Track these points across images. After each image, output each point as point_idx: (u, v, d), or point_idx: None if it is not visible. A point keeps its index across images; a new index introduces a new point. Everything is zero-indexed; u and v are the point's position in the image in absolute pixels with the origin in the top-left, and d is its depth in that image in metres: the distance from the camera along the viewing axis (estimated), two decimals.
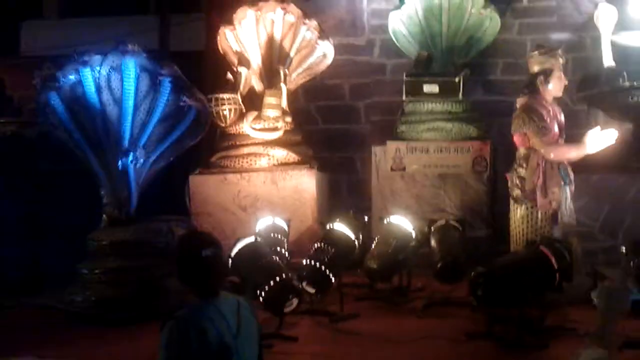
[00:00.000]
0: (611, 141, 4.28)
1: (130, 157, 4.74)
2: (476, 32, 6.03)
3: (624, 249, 4.02)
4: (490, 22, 6.01)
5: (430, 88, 5.90)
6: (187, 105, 4.96)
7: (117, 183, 4.83)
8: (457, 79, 5.81)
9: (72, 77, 4.80)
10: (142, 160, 4.83)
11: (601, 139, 4.26)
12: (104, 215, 4.89)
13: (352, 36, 6.76)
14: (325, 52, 5.99)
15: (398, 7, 6.13)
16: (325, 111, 6.80)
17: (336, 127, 6.78)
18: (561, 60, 4.44)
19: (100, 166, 4.86)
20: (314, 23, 5.84)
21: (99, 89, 4.80)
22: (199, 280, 2.40)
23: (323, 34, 5.90)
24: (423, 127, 5.87)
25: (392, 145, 5.86)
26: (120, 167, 4.74)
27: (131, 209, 4.82)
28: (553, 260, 3.63)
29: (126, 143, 4.80)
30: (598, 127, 4.29)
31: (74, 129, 4.82)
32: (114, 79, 4.79)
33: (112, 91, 4.80)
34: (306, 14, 5.82)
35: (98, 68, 4.78)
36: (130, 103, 4.80)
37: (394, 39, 6.26)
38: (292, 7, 5.74)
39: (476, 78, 6.34)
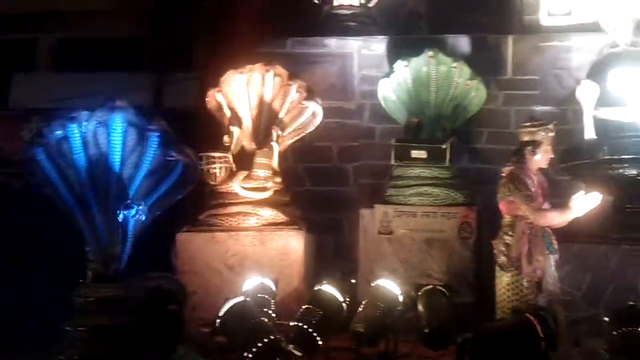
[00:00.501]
0: (595, 204, 4.40)
1: (133, 211, 4.75)
2: (463, 102, 6.23)
3: (606, 319, 4.08)
4: (477, 93, 6.22)
5: (418, 153, 6.04)
6: (175, 160, 5.02)
7: (103, 239, 4.82)
8: (444, 146, 5.96)
9: (58, 132, 4.83)
10: (144, 216, 4.83)
11: (586, 202, 4.38)
12: (89, 272, 4.86)
13: (342, 100, 6.94)
14: (314, 112, 6.10)
15: (388, 75, 6.34)
16: (314, 173, 6.89)
17: (325, 188, 6.87)
18: (551, 135, 4.61)
19: (86, 222, 4.85)
20: (302, 84, 5.99)
21: (85, 144, 4.82)
22: (160, 334, 2.39)
23: (311, 94, 6.04)
24: (410, 191, 5.97)
25: (379, 209, 5.95)
26: (120, 220, 4.74)
27: (121, 265, 4.80)
28: (539, 328, 3.67)
29: (112, 197, 4.82)
30: (582, 192, 4.42)
31: (60, 184, 4.82)
32: (101, 134, 4.82)
33: (98, 146, 4.82)
34: (293, 75, 5.97)
35: (85, 123, 4.83)
36: (116, 157, 4.83)
37: (383, 104, 6.44)
38: (279, 68, 5.90)
39: (463, 145, 6.51)
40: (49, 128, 4.81)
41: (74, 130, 4.80)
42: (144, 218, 4.84)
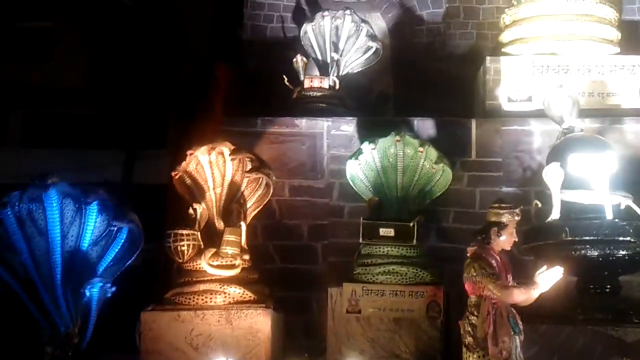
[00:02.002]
0: (559, 277, 4.47)
1: (97, 287, 4.67)
2: (429, 183, 6.36)
3: None
4: (442, 174, 6.36)
5: (386, 232, 6.12)
6: (118, 226, 4.97)
7: (56, 321, 4.69)
8: (411, 224, 6.05)
9: None
10: (110, 290, 4.74)
11: (550, 276, 4.45)
12: (46, 356, 4.70)
13: (312, 179, 7.05)
14: (267, 183, 6.15)
15: (356, 155, 6.48)
16: (283, 251, 6.89)
17: (293, 266, 6.85)
18: (517, 218, 4.72)
19: (35, 305, 4.71)
20: (249, 156, 6.08)
21: (20, 224, 4.76)
22: None
23: (261, 165, 6.12)
24: (378, 270, 5.99)
25: (348, 287, 5.94)
26: (85, 297, 4.65)
27: (82, 345, 4.67)
28: None
29: (58, 273, 4.70)
30: (544, 267, 4.49)
31: (0, 269, 4.72)
32: (35, 211, 4.77)
33: (35, 223, 4.77)
34: (239, 149, 6.03)
35: (17, 203, 4.77)
36: (56, 232, 4.76)
37: (351, 183, 6.54)
38: (226, 144, 5.99)
39: (430, 225, 6.62)
40: None
41: (8, 213, 4.72)
42: (109, 295, 4.76)
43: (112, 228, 4.94)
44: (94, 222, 4.85)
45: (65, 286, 4.75)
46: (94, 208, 4.85)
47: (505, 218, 4.64)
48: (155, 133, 7.00)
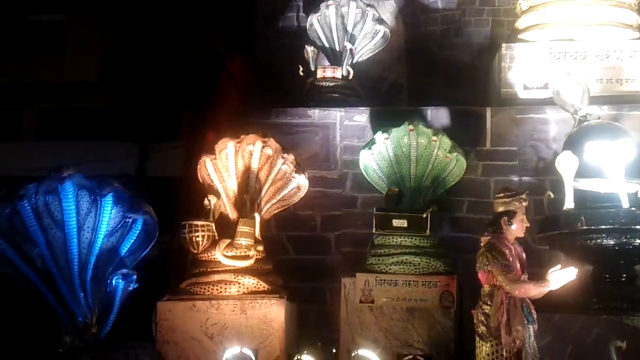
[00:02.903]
0: (572, 278, 4.44)
1: (123, 278, 4.71)
2: (442, 173, 6.33)
3: None
4: (456, 164, 6.33)
5: (399, 222, 6.10)
6: (133, 218, 5.01)
7: (74, 310, 4.74)
8: (424, 215, 6.03)
9: (7, 210, 4.79)
10: (134, 281, 4.78)
11: (562, 276, 4.42)
12: (64, 344, 4.77)
13: (325, 170, 7.05)
14: (299, 185, 6.18)
15: (369, 145, 6.47)
16: (296, 241, 6.92)
17: (307, 257, 6.87)
18: (524, 204, 4.70)
19: (53, 294, 4.77)
20: (291, 157, 6.09)
21: (37, 215, 4.80)
22: None
23: (299, 168, 6.14)
24: (392, 260, 5.99)
25: (361, 277, 5.95)
26: (111, 287, 4.69)
27: (101, 334, 4.72)
28: None
29: (76, 264, 4.75)
30: (559, 265, 4.47)
31: (19, 262, 4.77)
32: (52, 202, 4.81)
33: (52, 215, 4.81)
34: (285, 148, 6.09)
35: (34, 195, 4.81)
36: (73, 223, 4.81)
37: (364, 174, 6.54)
38: (271, 141, 6.00)
39: (443, 215, 6.59)
40: None
41: (24, 204, 4.77)
42: (132, 286, 4.81)
43: (127, 219, 4.98)
44: (109, 213, 4.90)
45: (83, 276, 4.81)
46: (109, 200, 4.89)
47: (512, 206, 4.63)
48: (169, 125, 7.05)
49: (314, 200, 6.87)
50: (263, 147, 5.96)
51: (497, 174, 6.82)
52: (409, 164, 6.27)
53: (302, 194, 6.23)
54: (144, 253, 5.17)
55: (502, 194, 4.72)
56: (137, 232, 5.08)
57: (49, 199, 4.77)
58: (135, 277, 4.86)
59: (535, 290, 4.41)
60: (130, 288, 4.87)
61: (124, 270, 4.87)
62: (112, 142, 7.44)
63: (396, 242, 6.07)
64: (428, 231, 6.03)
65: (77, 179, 4.82)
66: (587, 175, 5.66)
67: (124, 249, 5.03)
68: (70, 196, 4.78)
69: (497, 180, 6.73)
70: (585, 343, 5.08)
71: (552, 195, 5.81)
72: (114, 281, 4.77)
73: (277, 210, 6.31)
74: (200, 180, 6.11)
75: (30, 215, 4.76)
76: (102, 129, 7.62)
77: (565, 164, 5.62)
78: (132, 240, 5.08)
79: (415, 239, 6.04)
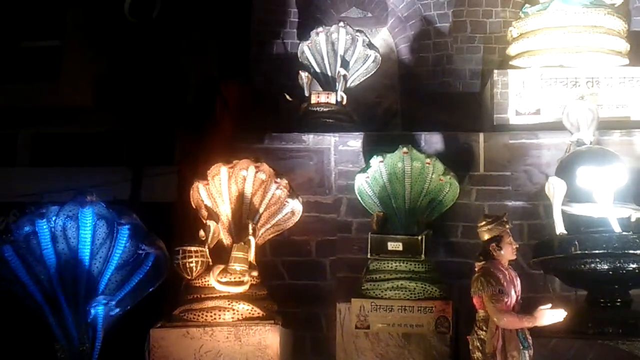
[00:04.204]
0: (559, 319, 4.44)
1: (101, 307, 4.68)
2: (437, 196, 6.36)
3: None
4: (450, 188, 6.37)
5: (394, 246, 6.11)
6: (146, 252, 4.99)
7: (73, 336, 4.72)
8: (420, 238, 6.04)
9: (27, 228, 4.80)
10: (116, 311, 4.76)
11: (550, 316, 4.43)
12: None
13: (319, 195, 7.05)
14: (293, 210, 6.18)
15: (364, 170, 6.50)
16: (291, 266, 6.89)
17: (302, 282, 6.84)
18: (508, 227, 4.73)
19: (55, 319, 4.75)
20: (284, 181, 6.09)
21: (54, 239, 4.78)
22: None
23: (293, 192, 6.15)
24: (387, 285, 5.98)
25: (356, 303, 5.93)
26: (90, 316, 4.67)
27: None
28: None
29: (82, 291, 4.74)
30: (549, 305, 4.47)
31: (28, 281, 4.75)
32: (70, 228, 4.79)
33: (67, 240, 4.79)
34: (278, 173, 6.10)
35: (54, 218, 4.80)
36: (86, 252, 4.79)
37: (359, 198, 6.55)
38: (264, 166, 6.01)
39: (438, 240, 6.59)
40: (16, 224, 4.78)
41: (43, 225, 4.77)
42: (113, 313, 4.77)
43: (140, 253, 4.96)
44: (123, 245, 4.88)
45: (87, 304, 4.78)
46: (125, 232, 4.88)
47: (497, 231, 4.67)
48: (163, 150, 7.05)
49: (308, 225, 6.86)
50: (256, 172, 5.97)
51: (490, 199, 6.86)
52: (404, 188, 6.30)
53: (296, 218, 6.24)
54: (151, 289, 5.13)
55: (484, 222, 4.78)
56: (148, 267, 5.06)
57: (68, 223, 4.76)
58: (113, 304, 4.81)
59: (519, 324, 4.41)
60: (111, 314, 4.81)
61: (101, 298, 4.81)
62: (106, 167, 7.42)
63: (391, 267, 6.07)
64: (423, 255, 6.03)
65: (98, 207, 4.82)
66: (579, 200, 5.71)
67: (132, 282, 5.00)
68: (88, 224, 4.78)
69: (490, 205, 6.76)
70: None
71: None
72: (92, 309, 4.73)
73: (272, 235, 6.30)
74: (194, 206, 6.10)
75: (47, 237, 4.75)
76: (96, 154, 7.60)
77: (554, 189, 5.67)
78: (142, 275, 5.05)
79: (411, 264, 6.04)
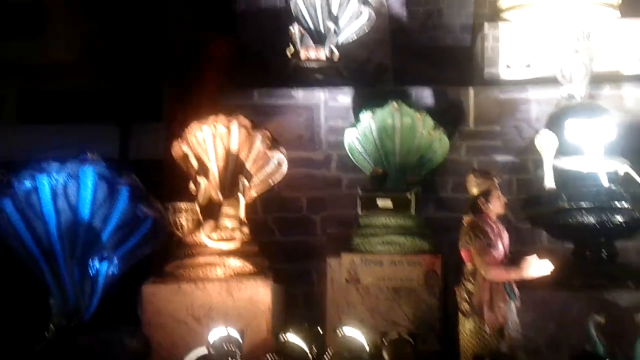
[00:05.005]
0: (547, 272, 4.49)
1: (105, 264, 4.70)
2: (427, 152, 6.37)
3: None
4: (440, 143, 6.37)
5: (384, 203, 6.14)
6: (144, 214, 5.01)
7: (69, 292, 4.76)
8: (409, 195, 6.07)
9: (27, 183, 4.81)
10: (116, 269, 4.78)
11: (537, 268, 4.47)
12: (52, 325, 4.78)
13: (310, 151, 7.04)
14: (279, 161, 6.15)
15: (354, 125, 6.48)
16: (282, 223, 6.92)
17: (292, 238, 6.89)
18: (497, 180, 4.75)
19: (52, 275, 4.79)
20: (266, 133, 6.04)
21: (54, 196, 4.79)
22: None
23: (276, 144, 6.11)
24: (377, 240, 6.03)
25: (347, 258, 5.99)
26: (93, 272, 4.69)
27: (86, 318, 4.72)
28: None
29: (80, 249, 4.78)
30: (535, 256, 4.50)
31: (27, 237, 4.77)
32: (70, 186, 4.80)
33: (68, 198, 4.79)
34: (258, 125, 6.03)
35: (55, 175, 4.81)
36: (86, 211, 4.81)
37: (349, 155, 6.55)
38: (242, 119, 5.95)
39: (428, 195, 6.62)
40: (17, 179, 4.78)
41: (44, 181, 4.78)
42: (115, 271, 4.81)
43: (139, 215, 4.97)
44: (122, 207, 4.89)
45: (83, 262, 4.80)
46: (124, 193, 4.88)
47: (485, 185, 4.69)
48: (151, 107, 6.97)
49: (299, 182, 6.87)
50: (237, 126, 5.90)
51: (480, 154, 6.86)
52: (394, 144, 6.29)
53: (283, 170, 6.20)
54: (148, 251, 5.17)
55: (472, 177, 4.79)
56: (146, 229, 5.07)
57: (69, 182, 4.75)
58: (116, 260, 4.85)
59: (507, 277, 4.46)
60: (113, 271, 4.85)
61: (105, 254, 4.85)
62: (94, 124, 7.34)
63: (381, 222, 6.11)
64: (413, 211, 6.07)
65: (99, 168, 4.81)
66: (568, 154, 5.73)
67: (130, 244, 5.02)
68: (89, 184, 4.77)
69: (480, 160, 6.77)
70: (567, 319, 5.18)
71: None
72: (94, 265, 4.76)
73: (261, 191, 6.30)
74: (180, 164, 6.07)
75: (48, 193, 4.74)
76: (83, 110, 7.51)
77: (545, 143, 5.69)
78: (139, 237, 5.06)
79: (401, 219, 6.08)
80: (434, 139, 6.34)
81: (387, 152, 6.34)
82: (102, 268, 4.72)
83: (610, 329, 4.58)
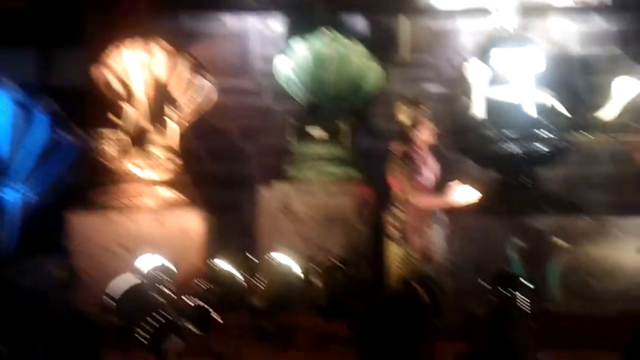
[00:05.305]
0: (473, 199, 4.60)
1: (18, 191, 4.55)
2: (361, 81, 6.35)
3: (485, 285, 4.34)
4: (374, 73, 6.36)
5: (317, 132, 6.13)
6: (65, 141, 4.85)
7: None
8: (343, 125, 6.08)
9: None
10: (32, 198, 4.63)
11: (463, 195, 4.57)
12: None
13: (242, 79, 6.90)
14: (205, 87, 6.01)
15: (287, 54, 6.36)
16: (214, 152, 6.84)
17: (225, 168, 6.83)
18: (426, 110, 4.79)
19: None
20: (190, 58, 5.88)
21: None
22: None
23: (200, 69, 5.96)
24: (310, 169, 6.05)
25: (279, 187, 6.00)
26: (4, 201, 4.53)
27: (10, 247, 4.60)
28: (424, 297, 3.84)
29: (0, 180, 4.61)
30: (461, 184, 4.60)
31: None
32: None
33: None
34: (180, 50, 5.84)
35: None
36: (5, 139, 4.62)
37: (282, 83, 6.46)
38: (164, 43, 5.76)
39: (360, 125, 6.65)
40: None
41: None
42: (32, 200, 4.66)
43: (57, 141, 4.76)
44: (42, 135, 4.68)
45: (18, 190, 4.63)
46: (44, 121, 4.66)
47: (415, 114, 4.71)
48: (73, 31, 6.60)
49: (231, 111, 6.76)
50: (159, 50, 5.72)
51: (412, 84, 6.90)
52: (327, 73, 6.23)
53: (210, 96, 6.07)
54: (71, 179, 5.00)
55: (403, 106, 4.79)
56: (68, 157, 4.88)
57: None
58: (29, 190, 4.69)
59: (434, 203, 4.56)
60: (29, 200, 4.70)
61: (14, 183, 4.68)
62: (12, 47, 6.92)
63: (315, 152, 6.12)
64: (346, 141, 6.09)
65: (16, 95, 4.57)
66: (497, 84, 5.83)
67: (52, 172, 4.84)
68: (6, 110, 4.52)
69: (412, 90, 6.79)
70: (491, 243, 5.38)
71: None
72: (6, 195, 4.60)
73: (189, 118, 6.14)
74: (103, 91, 5.85)
75: None
76: (1, 33, 7.05)
77: (475, 73, 5.76)
78: (62, 165, 4.88)
79: (333, 149, 6.11)
80: (368, 69, 6.31)
81: (322, 81, 6.28)
82: (13, 196, 4.56)
83: (530, 252, 4.78)
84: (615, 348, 3.72)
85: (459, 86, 6.68)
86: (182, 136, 6.25)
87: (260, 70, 6.90)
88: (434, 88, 6.90)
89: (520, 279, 4.25)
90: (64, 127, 4.84)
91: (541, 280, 4.47)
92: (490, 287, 4.05)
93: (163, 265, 4.82)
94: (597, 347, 3.98)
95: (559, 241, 4.59)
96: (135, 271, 4.60)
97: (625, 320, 4.35)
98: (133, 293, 4.03)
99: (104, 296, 4.03)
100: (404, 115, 4.74)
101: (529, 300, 3.89)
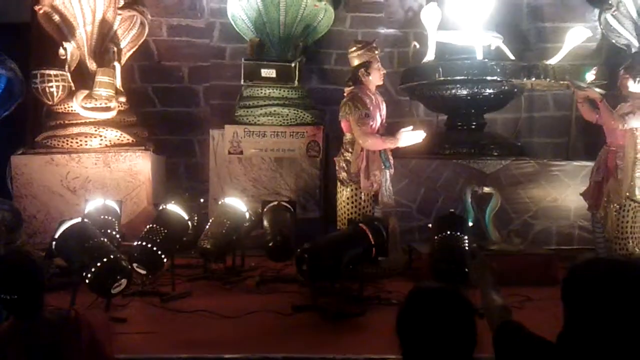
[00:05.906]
0: (419, 140, 4.67)
1: None
2: (312, 22, 6.27)
3: (430, 225, 4.46)
4: (325, 14, 6.28)
5: (267, 73, 6.05)
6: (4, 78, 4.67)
7: None
8: (293, 65, 6.01)
9: None
10: None
11: (411, 137, 4.63)
12: None
13: (191, 18, 6.73)
14: (141, 21, 5.87)
15: None
16: (163, 93, 6.71)
17: (174, 109, 6.73)
18: (377, 52, 4.78)
19: None
20: None
21: None
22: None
23: (134, 1, 5.81)
24: (260, 111, 6.01)
25: (229, 129, 5.95)
26: None
27: None
28: (370, 237, 3.93)
29: None
30: (410, 127, 4.65)
31: None
32: None
33: None
34: None
35: None
36: None
37: (233, 23, 6.33)
38: None
39: (311, 67, 6.61)
40: None
41: None
42: None
43: None
44: None
45: None
46: None
47: (366, 56, 4.69)
48: None
49: (180, 51, 6.61)
50: None
51: (363, 26, 6.86)
52: (278, 13, 6.12)
53: (146, 32, 5.95)
54: (5, 113, 4.81)
55: (354, 48, 4.77)
56: (1, 90, 4.68)
57: None
58: None
59: (382, 146, 4.60)
60: None
61: None
62: None
63: (265, 93, 6.06)
64: (296, 82, 6.04)
65: None
66: (447, 27, 5.84)
67: None
68: None
69: (364, 32, 6.77)
70: (436, 185, 5.51)
71: (417, 46, 5.96)
72: None
73: (129, 54, 5.98)
74: (45, 28, 5.63)
75: None
76: None
77: (429, 16, 5.74)
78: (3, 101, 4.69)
79: (284, 91, 6.06)
80: (318, 9, 6.23)
81: (272, 20, 6.17)
82: None
83: (481, 195, 4.88)
84: (553, 283, 3.94)
85: (410, 29, 6.71)
86: (130, 76, 6.11)
87: (211, 9, 6.72)
88: (385, 30, 6.86)
89: (467, 220, 4.39)
90: (2, 63, 4.64)
91: (482, 221, 4.61)
92: (436, 228, 4.18)
93: (108, 206, 4.77)
94: (537, 283, 4.16)
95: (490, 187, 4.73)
96: (80, 213, 4.54)
97: (563, 258, 4.56)
98: (73, 232, 3.95)
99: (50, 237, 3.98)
100: (355, 57, 4.72)
101: (470, 240, 4.03)
